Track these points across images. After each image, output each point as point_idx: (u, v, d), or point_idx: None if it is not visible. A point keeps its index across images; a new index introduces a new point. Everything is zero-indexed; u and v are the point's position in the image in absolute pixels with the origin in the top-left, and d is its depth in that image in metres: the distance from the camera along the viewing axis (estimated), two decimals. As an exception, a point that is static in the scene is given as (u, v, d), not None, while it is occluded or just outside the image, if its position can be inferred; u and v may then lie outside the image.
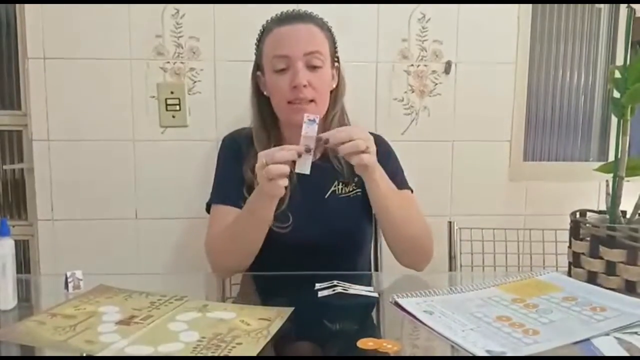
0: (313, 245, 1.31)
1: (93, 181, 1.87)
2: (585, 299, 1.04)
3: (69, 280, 1.13)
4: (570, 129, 2.10)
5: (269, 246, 1.32)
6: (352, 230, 1.41)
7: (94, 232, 1.89)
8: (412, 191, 1.45)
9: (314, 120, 1.10)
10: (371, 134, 1.26)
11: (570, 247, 1.21)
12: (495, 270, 1.80)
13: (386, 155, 1.42)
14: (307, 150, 1.09)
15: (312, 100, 1.31)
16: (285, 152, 1.09)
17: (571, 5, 2.03)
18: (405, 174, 1.48)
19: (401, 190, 1.38)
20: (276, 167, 1.09)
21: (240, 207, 1.32)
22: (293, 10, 1.38)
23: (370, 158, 1.15)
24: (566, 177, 2.05)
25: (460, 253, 1.77)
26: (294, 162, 1.10)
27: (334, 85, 1.40)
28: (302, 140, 1.09)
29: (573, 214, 1.23)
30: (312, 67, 1.30)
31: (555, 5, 2.02)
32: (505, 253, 1.81)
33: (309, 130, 1.10)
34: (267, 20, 1.38)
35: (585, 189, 2.02)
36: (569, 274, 1.21)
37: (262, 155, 1.11)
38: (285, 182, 1.11)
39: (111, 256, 1.89)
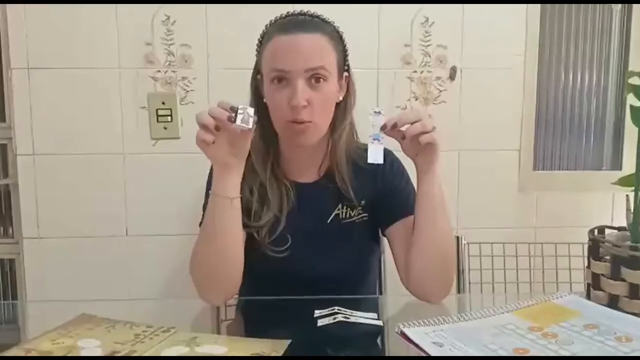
0: (312, 275, 1.22)
1: (81, 197, 1.82)
2: (608, 327, 0.96)
3: (239, 112, 1.03)
4: (582, 136, 2.04)
5: (265, 274, 1.24)
6: (354, 260, 1.31)
7: (83, 250, 1.84)
8: None
9: (379, 112, 1.10)
10: None
11: (588, 267, 1.14)
12: (506, 286, 1.73)
13: (399, 175, 1.33)
14: (376, 139, 1.09)
15: (310, 121, 1.19)
16: (219, 109, 1.05)
17: (582, 4, 1.96)
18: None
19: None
20: (204, 115, 1.05)
21: None
22: (299, 12, 1.24)
23: (439, 137, 1.09)
24: (578, 187, 1.99)
25: (469, 269, 1.70)
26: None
27: (341, 97, 1.27)
28: (371, 130, 1.09)
29: (591, 231, 1.16)
30: (315, 83, 1.18)
31: (565, 5, 1.95)
32: (516, 269, 1.75)
33: (376, 121, 1.09)
34: (270, 21, 1.25)
35: (598, 199, 1.98)
36: (588, 297, 1.13)
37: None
38: (209, 137, 1.05)
39: (101, 275, 1.84)
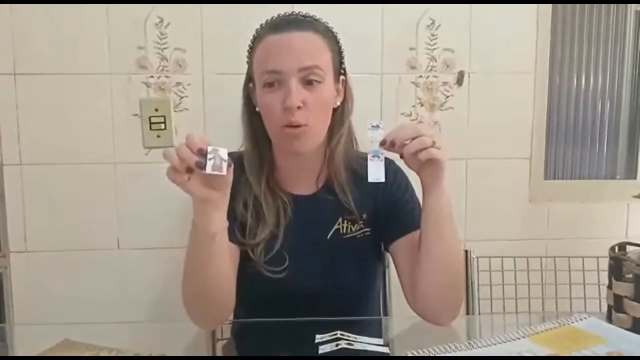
0: (311, 295, 1.16)
1: (70, 209, 1.75)
2: (634, 354, 0.90)
3: (209, 156, 0.91)
4: (595, 143, 1.98)
5: (261, 295, 1.19)
6: (357, 279, 1.25)
7: (72, 264, 1.77)
8: None
9: (377, 126, 1.03)
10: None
11: (610, 287, 1.08)
12: (517, 303, 1.67)
13: (403, 187, 1.27)
14: (376, 156, 1.02)
15: (305, 125, 1.13)
16: (187, 153, 0.91)
17: (595, 5, 1.91)
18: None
19: None
20: (171, 156, 0.92)
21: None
22: (291, 13, 1.21)
23: (440, 153, 1.01)
24: (591, 197, 1.93)
25: (478, 285, 1.64)
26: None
27: (338, 103, 1.22)
28: (370, 146, 1.03)
29: (612, 248, 1.10)
30: (309, 84, 1.13)
31: (577, 6, 1.89)
32: (527, 284, 1.68)
33: (374, 136, 1.02)
34: (260, 25, 1.20)
35: (613, 209, 1.93)
36: (609, 320, 1.07)
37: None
38: (180, 178, 0.93)
39: (91, 290, 1.78)
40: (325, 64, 1.15)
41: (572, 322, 1.05)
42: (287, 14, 1.21)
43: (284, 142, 1.17)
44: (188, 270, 1.09)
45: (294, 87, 1.11)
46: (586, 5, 1.90)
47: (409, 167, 1.07)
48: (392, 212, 1.24)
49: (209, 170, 0.91)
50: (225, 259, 1.09)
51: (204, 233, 1.02)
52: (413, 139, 1.00)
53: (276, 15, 1.21)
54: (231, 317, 1.22)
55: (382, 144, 1.01)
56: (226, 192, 1.01)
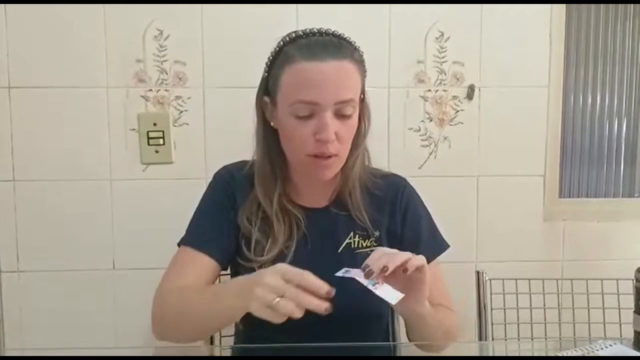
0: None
1: (65, 227, 1.72)
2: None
3: None
4: (612, 160, 1.93)
5: None
6: (369, 295, 1.20)
7: (66, 285, 1.73)
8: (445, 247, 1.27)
9: (347, 271, 1.00)
10: (391, 174, 1.25)
11: (637, 312, 1.01)
12: (532, 328, 1.60)
13: (417, 215, 1.25)
14: (377, 284, 0.97)
15: (336, 155, 1.10)
16: (316, 281, 0.94)
17: (610, 17, 1.86)
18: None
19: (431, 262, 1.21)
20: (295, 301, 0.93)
21: (217, 260, 1.16)
22: (319, 30, 1.09)
23: (419, 259, 0.98)
24: (609, 216, 1.87)
25: (492, 309, 1.57)
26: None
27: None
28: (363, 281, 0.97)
29: (638, 270, 1.03)
30: (342, 116, 1.08)
31: (592, 19, 1.85)
32: (543, 307, 1.61)
33: (351, 275, 0.98)
34: (287, 38, 1.09)
35: (631, 228, 1.87)
36: (637, 347, 1.01)
37: (285, 272, 0.95)
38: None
39: (86, 312, 1.74)
40: (357, 95, 1.11)
41: (596, 350, 0.99)
42: (315, 31, 1.09)
43: (310, 169, 1.13)
44: (192, 309, 1.07)
45: (330, 121, 1.06)
46: (600, 18, 1.86)
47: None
48: (412, 244, 1.21)
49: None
50: None
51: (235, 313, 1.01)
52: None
53: (302, 31, 1.10)
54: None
55: (369, 275, 0.97)
56: None
